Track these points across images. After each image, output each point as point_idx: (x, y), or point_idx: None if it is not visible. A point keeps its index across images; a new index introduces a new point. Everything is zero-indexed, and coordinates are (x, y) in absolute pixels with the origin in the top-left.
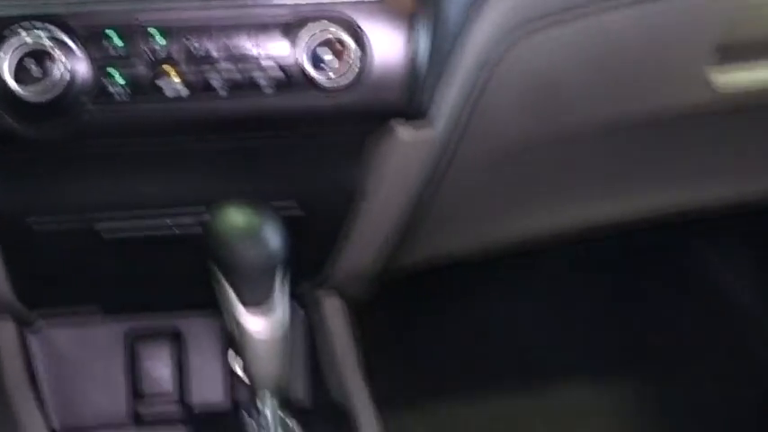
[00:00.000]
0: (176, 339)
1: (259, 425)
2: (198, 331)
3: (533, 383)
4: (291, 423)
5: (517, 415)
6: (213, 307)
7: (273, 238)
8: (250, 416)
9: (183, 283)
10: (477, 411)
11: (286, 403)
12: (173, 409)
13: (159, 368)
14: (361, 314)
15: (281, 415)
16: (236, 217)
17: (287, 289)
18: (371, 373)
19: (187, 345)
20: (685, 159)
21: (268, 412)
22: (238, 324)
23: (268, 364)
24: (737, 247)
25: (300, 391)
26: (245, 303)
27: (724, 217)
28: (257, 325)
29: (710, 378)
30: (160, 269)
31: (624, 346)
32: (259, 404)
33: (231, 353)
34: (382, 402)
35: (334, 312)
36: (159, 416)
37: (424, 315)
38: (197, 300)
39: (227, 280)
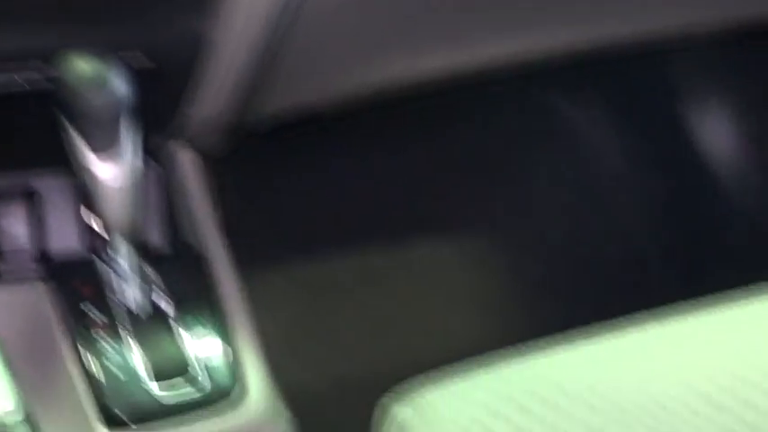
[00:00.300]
0: (32, 197)
1: (116, 273)
2: (53, 188)
3: (395, 237)
4: (148, 270)
5: (380, 269)
6: (68, 164)
7: (120, 84)
8: (107, 265)
9: (36, 141)
10: (340, 266)
11: (142, 251)
12: (31, 265)
13: (16, 226)
14: (220, 168)
15: (138, 262)
16: (82, 66)
17: (137, 137)
18: (233, 229)
19: (43, 202)
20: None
21: (124, 260)
22: (89, 172)
23: (121, 212)
24: (596, 98)
25: (157, 239)
26: (94, 150)
27: (581, 68)
28: (107, 172)
29: (570, 230)
30: (13, 127)
31: (479, 198)
32: (115, 253)
33: (86, 206)
34: (245, 258)
35: (188, 165)
36: (18, 273)
37: (287, 170)
38: (52, 157)
39: (77, 129)
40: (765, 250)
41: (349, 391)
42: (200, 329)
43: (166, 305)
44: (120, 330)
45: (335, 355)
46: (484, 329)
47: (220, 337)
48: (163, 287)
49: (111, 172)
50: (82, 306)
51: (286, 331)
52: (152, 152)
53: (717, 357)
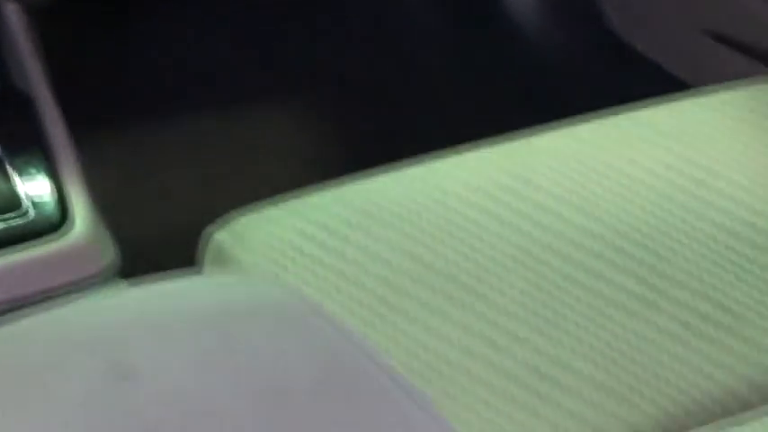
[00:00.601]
0: None
1: None
2: None
3: (224, 99)
4: None
5: (211, 129)
6: None
7: None
8: None
9: None
10: (169, 127)
11: None
12: None
13: None
14: (48, 24)
15: None
16: None
17: None
18: (64, 85)
19: None
20: None
21: None
22: None
23: None
24: None
25: None
26: None
27: None
28: None
29: (383, 82)
30: None
31: (297, 66)
32: None
33: None
34: (76, 119)
35: (12, 16)
36: None
37: (119, 32)
38: None
39: None
40: (560, 98)
41: (178, 234)
42: (28, 169)
43: None
44: None
45: (164, 206)
46: (308, 179)
47: (48, 175)
48: None
49: None
50: None
51: (115, 186)
52: None
53: (523, 183)
